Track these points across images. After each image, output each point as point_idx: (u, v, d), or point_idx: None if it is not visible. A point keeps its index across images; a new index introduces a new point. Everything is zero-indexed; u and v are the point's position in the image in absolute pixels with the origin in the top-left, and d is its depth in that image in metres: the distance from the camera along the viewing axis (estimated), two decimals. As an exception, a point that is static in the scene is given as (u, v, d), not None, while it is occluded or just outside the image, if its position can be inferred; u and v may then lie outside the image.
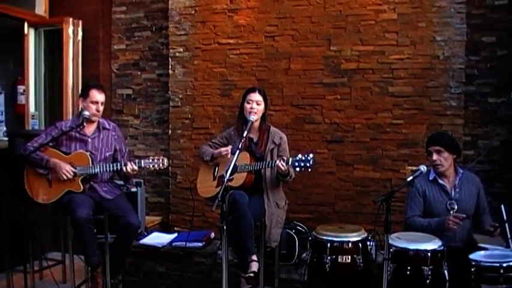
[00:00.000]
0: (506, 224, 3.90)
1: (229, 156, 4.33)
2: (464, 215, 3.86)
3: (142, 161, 4.38)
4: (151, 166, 4.36)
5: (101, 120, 4.64)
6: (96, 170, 4.41)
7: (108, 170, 4.45)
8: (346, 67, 5.33)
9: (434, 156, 4.07)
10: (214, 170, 4.54)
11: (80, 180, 4.40)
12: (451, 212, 3.98)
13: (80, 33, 6.11)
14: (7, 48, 6.23)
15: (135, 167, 4.36)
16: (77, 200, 4.29)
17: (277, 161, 4.15)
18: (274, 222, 4.37)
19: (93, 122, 4.59)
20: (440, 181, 4.12)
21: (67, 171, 4.34)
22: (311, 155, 4.04)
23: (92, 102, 4.49)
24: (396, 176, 5.18)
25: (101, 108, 4.57)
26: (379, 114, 5.25)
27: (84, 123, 4.50)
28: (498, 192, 5.00)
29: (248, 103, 4.42)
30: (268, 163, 4.30)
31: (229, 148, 4.36)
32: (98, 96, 4.51)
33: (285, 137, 4.55)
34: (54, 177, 4.42)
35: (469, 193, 4.13)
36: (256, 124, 4.48)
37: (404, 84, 5.17)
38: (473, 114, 5.15)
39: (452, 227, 3.83)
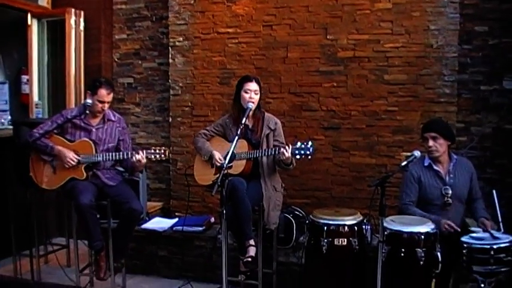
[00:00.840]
0: (497, 208, 4.01)
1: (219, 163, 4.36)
2: (459, 230, 3.95)
3: (144, 152, 4.39)
4: (152, 157, 4.39)
5: (106, 111, 4.67)
6: (99, 159, 4.48)
7: (111, 159, 4.51)
8: (343, 55, 5.37)
9: (430, 143, 4.14)
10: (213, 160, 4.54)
11: (83, 168, 4.47)
12: (446, 197, 4.10)
13: (82, 24, 6.15)
14: (11, 39, 6.26)
15: (143, 155, 4.35)
16: (79, 187, 4.37)
17: (282, 149, 4.17)
18: (272, 205, 4.42)
19: (97, 116, 4.64)
20: (435, 167, 4.19)
21: (71, 159, 4.42)
22: (310, 143, 4.08)
23: (99, 101, 4.52)
24: (391, 161, 5.24)
25: (107, 106, 4.59)
26: (375, 102, 5.30)
27: (87, 111, 4.53)
28: (490, 178, 5.09)
29: (246, 92, 4.42)
30: (269, 151, 4.33)
31: (222, 162, 4.23)
32: (105, 97, 4.52)
33: (279, 122, 4.58)
34: (58, 164, 4.50)
35: (462, 178, 4.21)
36: (252, 111, 4.49)
37: (399, 72, 5.21)
38: (466, 102, 5.20)
39: (445, 231, 3.93)
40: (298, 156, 4.10)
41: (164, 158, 4.47)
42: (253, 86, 4.44)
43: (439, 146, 4.13)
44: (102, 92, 4.51)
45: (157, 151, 4.40)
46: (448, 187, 4.14)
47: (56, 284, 4.96)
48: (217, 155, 4.44)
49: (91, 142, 4.52)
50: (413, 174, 4.21)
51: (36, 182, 4.57)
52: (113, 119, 4.73)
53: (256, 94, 4.44)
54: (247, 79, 4.51)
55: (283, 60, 5.57)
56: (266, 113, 4.62)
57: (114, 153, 4.50)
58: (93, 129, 4.61)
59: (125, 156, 4.46)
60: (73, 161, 4.43)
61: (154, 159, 4.46)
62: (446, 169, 4.21)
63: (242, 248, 4.27)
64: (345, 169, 5.46)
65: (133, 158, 4.39)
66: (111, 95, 4.60)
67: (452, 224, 3.93)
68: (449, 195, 4.12)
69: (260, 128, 4.52)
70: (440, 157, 4.19)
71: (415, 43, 5.16)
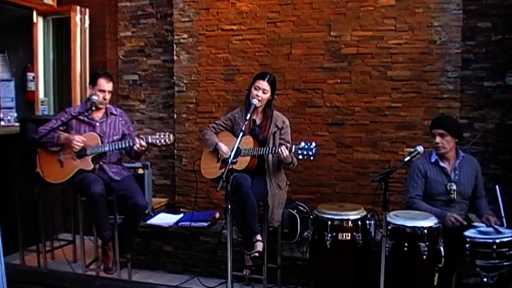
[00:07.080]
0: (501, 204, 4.03)
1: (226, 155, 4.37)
2: (465, 223, 3.98)
3: (149, 137, 4.48)
4: (157, 141, 4.47)
5: (108, 106, 4.78)
6: (106, 148, 4.57)
7: (117, 148, 4.57)
8: (346, 52, 5.38)
9: (437, 139, 4.14)
10: (218, 152, 4.56)
11: (90, 159, 4.57)
12: (451, 193, 4.12)
13: (87, 21, 6.17)
14: (17, 36, 6.31)
15: (143, 143, 4.46)
16: (90, 178, 4.46)
17: (281, 147, 4.18)
18: (276, 203, 4.44)
19: (100, 108, 4.74)
20: (441, 163, 4.20)
21: (78, 141, 4.51)
22: (314, 144, 4.06)
23: (100, 91, 4.64)
24: (395, 157, 5.25)
25: (108, 96, 4.71)
26: (378, 98, 5.31)
27: (93, 108, 4.63)
28: (493, 173, 5.10)
29: (255, 89, 4.42)
30: (271, 149, 4.33)
31: (229, 153, 4.11)
32: (105, 85, 4.66)
33: (287, 121, 4.58)
34: (65, 157, 4.59)
35: (468, 176, 4.22)
36: (261, 107, 4.50)
37: (403, 68, 5.22)
38: (469, 98, 5.20)
39: (450, 225, 3.95)
40: (300, 157, 4.10)
41: (169, 142, 4.52)
42: (263, 84, 4.43)
43: (446, 142, 4.13)
44: (102, 81, 4.66)
45: (162, 136, 4.48)
46: (453, 183, 4.15)
47: (67, 272, 4.97)
48: (224, 147, 4.48)
49: (97, 135, 4.62)
50: (420, 168, 4.22)
51: (44, 177, 4.64)
52: (115, 113, 4.85)
53: (264, 93, 4.43)
54: (260, 76, 4.51)
55: (287, 56, 5.59)
56: (275, 111, 4.61)
57: (119, 143, 4.58)
58: (97, 124, 4.72)
59: (128, 145, 4.54)
60: (80, 142, 4.51)
61: (159, 144, 4.54)
62: (452, 166, 4.22)
63: (248, 243, 4.29)
64: (349, 165, 5.47)
65: (135, 147, 4.49)
66: (111, 83, 4.73)
67: (459, 218, 3.94)
68: (453, 192, 4.13)
69: (268, 125, 4.52)
70: (447, 154, 4.19)
71: (418, 39, 5.17)
